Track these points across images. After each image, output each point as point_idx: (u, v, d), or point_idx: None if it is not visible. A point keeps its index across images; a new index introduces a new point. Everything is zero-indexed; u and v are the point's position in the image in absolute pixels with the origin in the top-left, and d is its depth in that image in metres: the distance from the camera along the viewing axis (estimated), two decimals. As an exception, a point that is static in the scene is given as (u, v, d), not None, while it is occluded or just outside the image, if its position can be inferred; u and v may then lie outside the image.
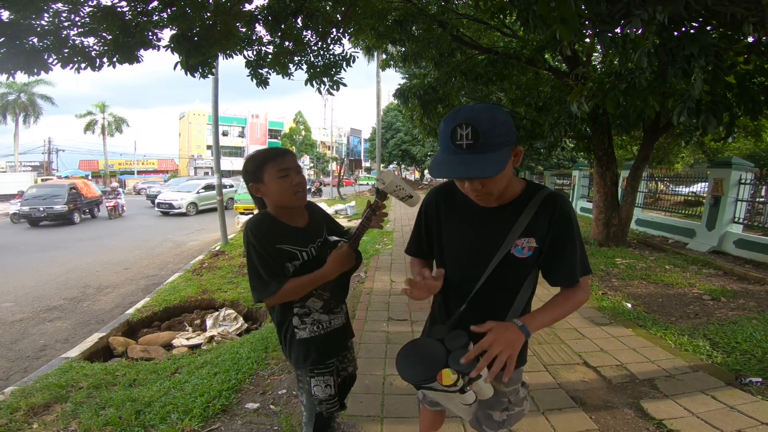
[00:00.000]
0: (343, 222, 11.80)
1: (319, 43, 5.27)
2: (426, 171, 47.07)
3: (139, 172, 42.25)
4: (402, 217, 12.14)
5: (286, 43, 5.11)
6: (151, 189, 23.48)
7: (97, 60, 3.88)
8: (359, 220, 1.50)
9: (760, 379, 2.64)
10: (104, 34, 3.81)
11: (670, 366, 2.90)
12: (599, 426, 2.21)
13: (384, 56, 10.18)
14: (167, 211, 16.60)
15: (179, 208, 16.51)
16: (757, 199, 7.18)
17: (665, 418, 2.25)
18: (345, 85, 5.41)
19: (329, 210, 14.33)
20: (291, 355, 1.54)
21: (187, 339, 4.27)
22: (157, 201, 17.51)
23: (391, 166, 46.07)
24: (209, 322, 4.59)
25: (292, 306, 1.49)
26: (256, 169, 1.41)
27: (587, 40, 3.48)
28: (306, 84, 5.36)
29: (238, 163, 42.83)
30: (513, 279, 1.17)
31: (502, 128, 0.99)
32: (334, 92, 5.51)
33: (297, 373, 1.62)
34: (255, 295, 1.40)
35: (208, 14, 3.93)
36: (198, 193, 17.71)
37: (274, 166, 1.39)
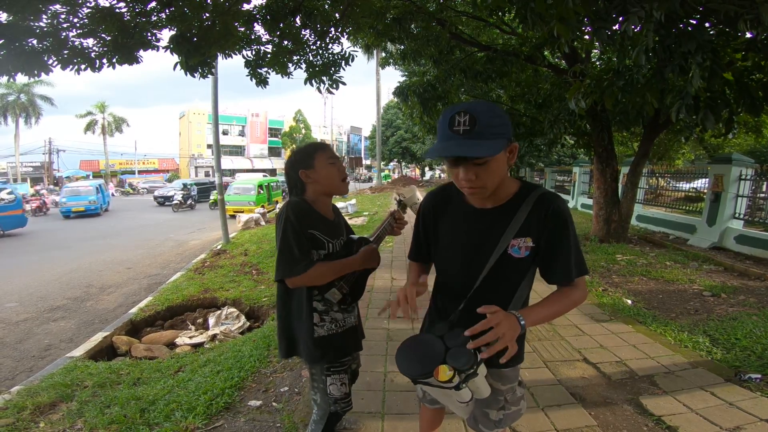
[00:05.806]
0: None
1: (318, 42, 5.27)
2: (426, 169, 47.14)
3: (140, 172, 42.29)
4: (403, 214, 12.13)
5: (285, 43, 5.10)
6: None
7: (97, 61, 3.90)
8: (380, 225, 1.67)
9: (759, 376, 2.64)
10: (103, 35, 3.83)
11: (669, 362, 2.91)
12: (598, 422, 2.22)
13: (383, 54, 10.18)
14: None
15: None
16: (758, 195, 7.17)
17: (664, 415, 2.26)
18: (344, 83, 5.41)
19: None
20: (304, 352, 1.54)
21: (190, 338, 4.30)
22: None
23: (391, 164, 46.09)
24: (211, 320, 4.62)
25: (312, 300, 1.50)
26: (307, 156, 1.51)
27: (586, 37, 3.47)
28: (305, 83, 5.36)
29: (238, 162, 42.83)
30: (511, 278, 1.18)
31: (499, 120, 1.02)
32: (333, 91, 5.51)
33: (312, 372, 1.63)
34: (281, 271, 1.39)
35: (207, 14, 3.93)
36: None
37: (323, 153, 1.51)
